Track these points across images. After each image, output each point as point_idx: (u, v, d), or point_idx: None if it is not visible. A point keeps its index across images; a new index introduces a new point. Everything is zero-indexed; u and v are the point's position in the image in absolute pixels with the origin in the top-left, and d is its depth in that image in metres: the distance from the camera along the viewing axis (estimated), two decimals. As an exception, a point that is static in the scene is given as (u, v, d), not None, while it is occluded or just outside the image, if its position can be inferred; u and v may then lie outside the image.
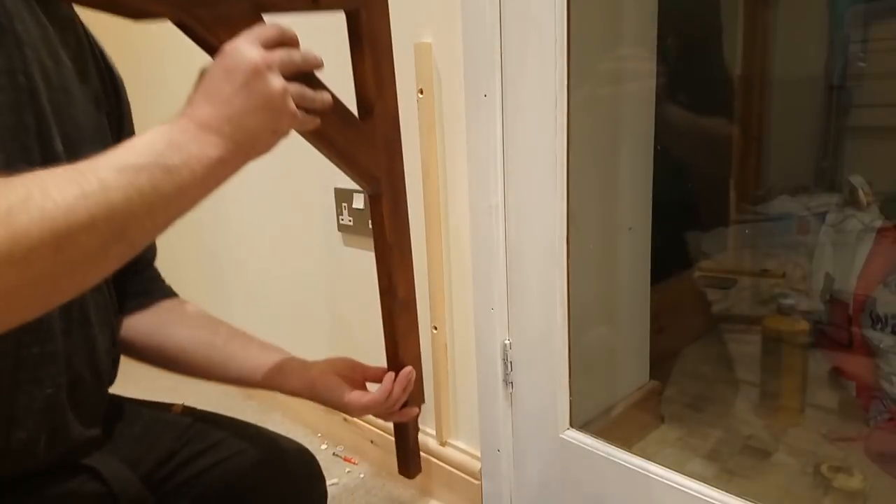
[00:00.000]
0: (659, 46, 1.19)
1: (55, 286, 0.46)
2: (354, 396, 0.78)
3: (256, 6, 0.62)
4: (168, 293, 0.82)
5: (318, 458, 0.91)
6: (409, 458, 1.08)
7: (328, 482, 0.98)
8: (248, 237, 1.52)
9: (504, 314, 1.02)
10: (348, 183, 1.20)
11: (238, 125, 0.54)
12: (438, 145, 1.03)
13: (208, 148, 0.52)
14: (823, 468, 1.13)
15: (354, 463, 1.31)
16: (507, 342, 1.02)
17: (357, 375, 0.83)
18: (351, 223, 1.22)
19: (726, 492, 0.83)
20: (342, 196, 1.23)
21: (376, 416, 0.85)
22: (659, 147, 1.22)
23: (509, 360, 1.03)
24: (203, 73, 0.57)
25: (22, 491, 0.65)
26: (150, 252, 0.81)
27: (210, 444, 0.82)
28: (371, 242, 1.24)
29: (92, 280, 0.49)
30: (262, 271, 1.53)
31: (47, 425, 0.64)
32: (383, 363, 0.94)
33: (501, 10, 0.91)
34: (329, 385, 0.79)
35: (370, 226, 1.17)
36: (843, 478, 1.11)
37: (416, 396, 1.00)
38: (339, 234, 1.27)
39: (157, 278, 0.82)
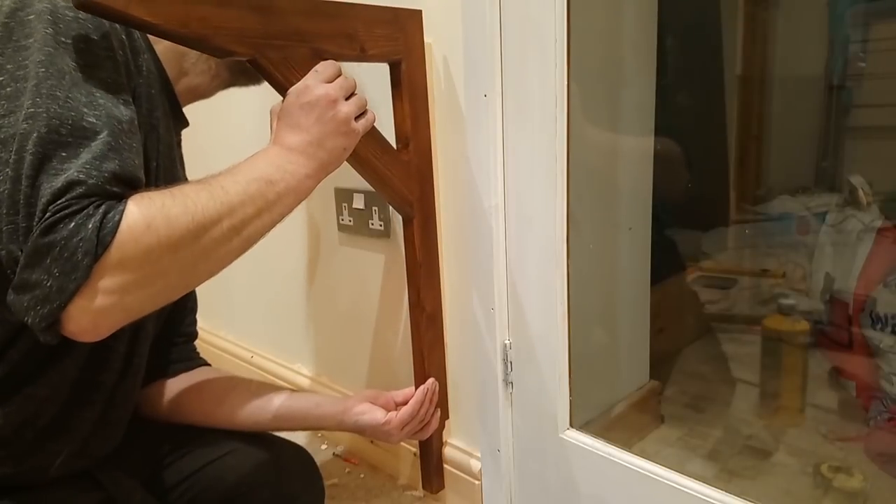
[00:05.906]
0: (659, 46, 1.19)
1: (195, 270, 0.58)
2: (391, 416, 0.88)
3: (315, 53, 0.75)
4: (206, 363, 0.93)
5: (318, 458, 0.91)
6: (433, 473, 1.12)
7: (328, 482, 0.98)
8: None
9: (504, 314, 1.02)
10: (348, 183, 1.20)
11: (319, 146, 0.69)
12: (439, 145, 1.03)
13: (299, 167, 0.67)
14: (823, 468, 1.13)
15: (354, 463, 1.31)
16: (507, 342, 1.02)
17: (388, 400, 0.92)
18: (351, 223, 1.22)
19: (726, 492, 0.83)
20: (342, 196, 1.23)
21: (411, 437, 0.94)
22: (658, 146, 1.22)
23: (509, 360, 1.03)
24: (274, 112, 0.71)
25: (21, 498, 0.66)
26: (193, 330, 0.92)
27: (208, 444, 0.82)
28: (371, 242, 1.25)
29: (220, 267, 0.61)
30: (262, 270, 1.53)
31: (72, 443, 0.69)
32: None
33: (501, 10, 0.91)
34: (364, 410, 0.88)
35: (370, 226, 1.18)
36: (843, 478, 1.11)
37: (440, 410, 1.03)
38: (339, 233, 1.27)
39: (196, 350, 0.94)
